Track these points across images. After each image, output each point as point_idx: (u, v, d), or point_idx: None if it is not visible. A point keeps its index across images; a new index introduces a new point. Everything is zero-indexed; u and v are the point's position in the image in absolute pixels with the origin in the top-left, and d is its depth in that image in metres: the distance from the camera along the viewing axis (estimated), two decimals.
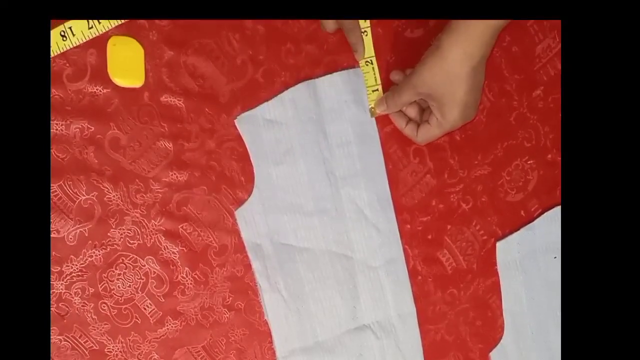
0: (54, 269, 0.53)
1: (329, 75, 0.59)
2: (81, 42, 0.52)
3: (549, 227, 0.66)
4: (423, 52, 0.62)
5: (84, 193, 0.54)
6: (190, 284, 0.56)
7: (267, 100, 0.57)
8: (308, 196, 0.59)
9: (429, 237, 0.63)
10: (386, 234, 0.61)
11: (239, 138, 0.57)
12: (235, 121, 0.57)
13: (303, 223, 0.59)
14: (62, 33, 0.52)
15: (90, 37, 0.52)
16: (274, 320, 0.58)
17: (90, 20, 0.52)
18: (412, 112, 0.58)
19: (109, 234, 0.54)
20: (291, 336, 0.59)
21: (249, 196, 0.57)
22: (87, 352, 0.54)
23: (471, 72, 0.51)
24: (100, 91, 0.54)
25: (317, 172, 0.59)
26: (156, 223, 0.55)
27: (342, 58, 0.60)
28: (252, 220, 0.58)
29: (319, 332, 0.59)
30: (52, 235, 0.53)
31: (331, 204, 0.59)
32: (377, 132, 0.60)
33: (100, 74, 0.53)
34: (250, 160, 0.58)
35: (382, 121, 0.60)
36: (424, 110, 0.58)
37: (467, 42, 0.50)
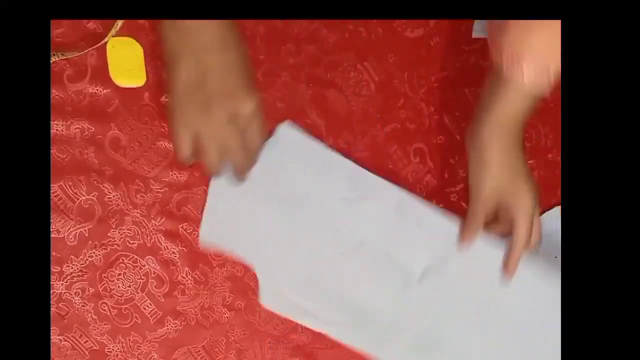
0: (54, 269, 0.53)
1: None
2: None
3: (549, 227, 0.66)
4: (423, 52, 0.62)
5: (84, 193, 0.54)
6: (190, 283, 0.56)
7: None
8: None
9: None
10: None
11: None
12: None
13: None
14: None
15: None
16: None
17: None
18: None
19: (109, 234, 0.54)
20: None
21: None
22: (87, 352, 0.54)
23: (520, 162, 0.53)
24: (100, 92, 0.54)
25: None
26: (156, 223, 0.55)
27: (342, 58, 0.60)
28: None
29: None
30: (52, 235, 0.53)
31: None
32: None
33: (101, 75, 0.53)
34: None
35: (382, 120, 0.60)
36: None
37: (513, 148, 0.52)
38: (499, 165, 0.53)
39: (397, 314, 0.58)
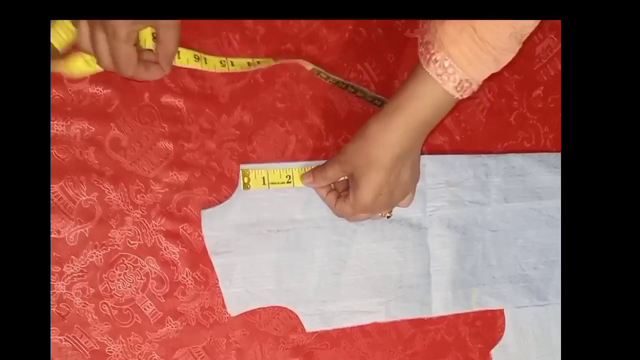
0: (55, 269, 0.53)
1: None
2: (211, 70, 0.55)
3: None
4: None
5: (84, 193, 0.54)
6: (191, 284, 0.56)
7: None
8: None
9: None
10: None
11: (239, 138, 0.57)
12: None
13: None
14: (196, 57, 0.54)
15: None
16: None
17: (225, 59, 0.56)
18: (340, 186, 0.57)
19: (109, 234, 0.54)
20: None
21: None
22: (87, 353, 0.54)
23: (393, 161, 0.50)
24: (100, 92, 0.54)
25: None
26: (156, 223, 0.55)
27: (342, 58, 0.60)
28: None
29: None
30: (52, 235, 0.53)
31: None
32: None
33: (101, 75, 0.53)
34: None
35: None
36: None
37: (391, 131, 0.50)
38: (375, 146, 0.50)
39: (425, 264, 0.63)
